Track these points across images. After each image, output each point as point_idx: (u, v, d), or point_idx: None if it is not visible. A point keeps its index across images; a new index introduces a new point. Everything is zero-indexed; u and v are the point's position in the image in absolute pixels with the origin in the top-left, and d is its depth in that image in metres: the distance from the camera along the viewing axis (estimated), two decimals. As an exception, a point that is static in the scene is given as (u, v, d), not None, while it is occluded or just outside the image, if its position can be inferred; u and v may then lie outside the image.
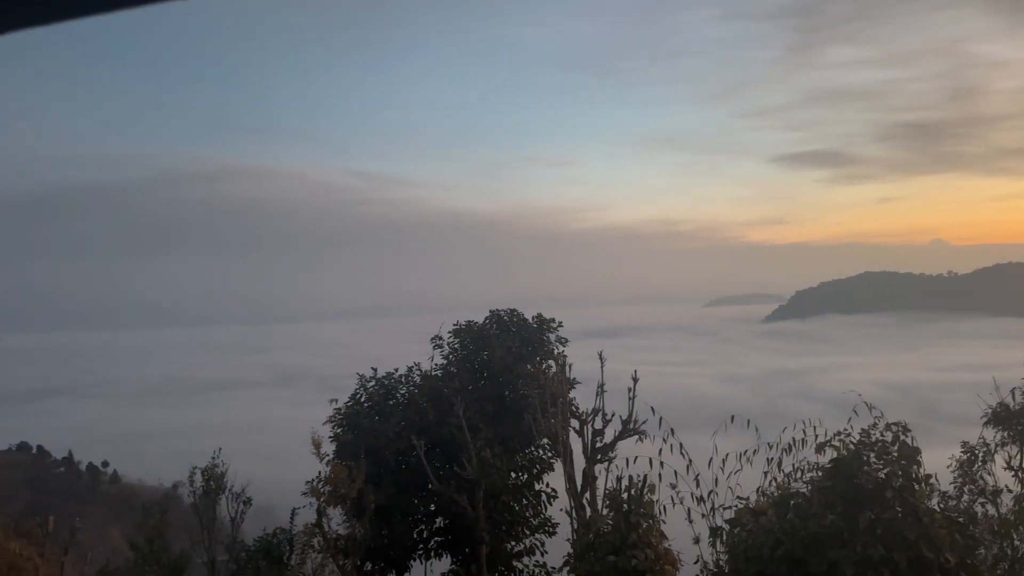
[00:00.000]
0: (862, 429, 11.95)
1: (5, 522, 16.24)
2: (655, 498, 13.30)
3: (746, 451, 13.97)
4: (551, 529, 24.42)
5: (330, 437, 23.97)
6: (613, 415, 20.98)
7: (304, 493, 21.58)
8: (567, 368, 23.40)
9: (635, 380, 20.38)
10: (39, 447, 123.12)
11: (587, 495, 19.98)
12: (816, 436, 12.69)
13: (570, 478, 20.15)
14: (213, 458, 21.07)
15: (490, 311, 26.83)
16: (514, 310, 26.87)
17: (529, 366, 25.21)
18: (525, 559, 24.32)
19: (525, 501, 24.79)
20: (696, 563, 13.23)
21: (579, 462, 20.77)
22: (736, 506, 13.08)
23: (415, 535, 24.29)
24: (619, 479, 13.78)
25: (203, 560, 20.27)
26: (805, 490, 12.09)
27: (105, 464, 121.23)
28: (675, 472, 14.25)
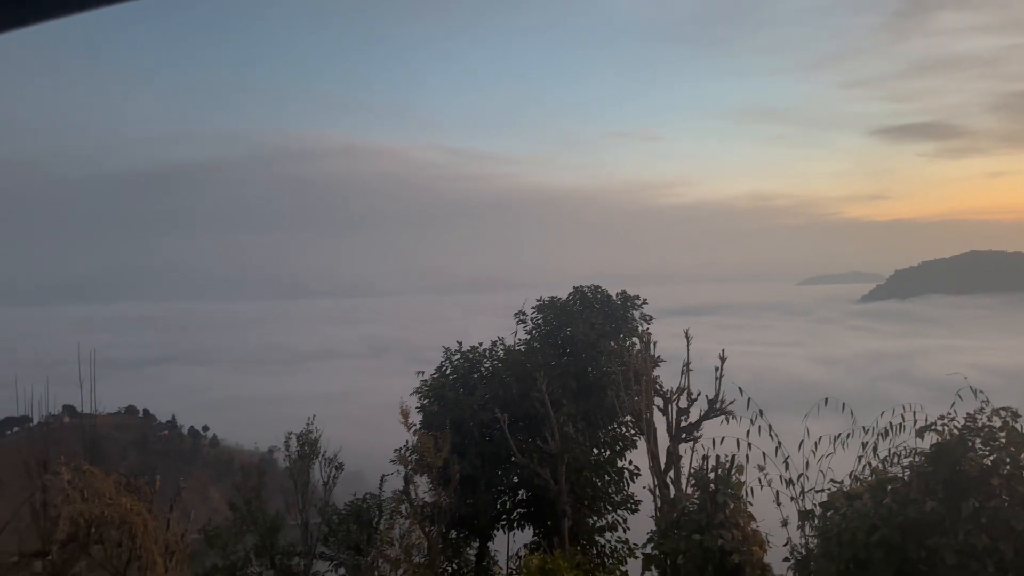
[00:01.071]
0: (967, 414, 11.32)
1: (117, 479, 17.28)
2: (742, 479, 13.02)
3: (839, 435, 13.46)
4: (633, 506, 24.35)
5: (417, 408, 24.54)
6: (699, 394, 20.62)
7: (392, 461, 22.20)
8: (651, 346, 23.09)
9: (723, 359, 19.95)
10: (146, 410, 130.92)
11: (671, 474, 19.75)
12: (916, 420, 12.09)
13: (653, 456, 19.95)
14: (307, 424, 21.84)
15: (573, 287, 26.75)
16: (598, 286, 26.70)
17: (612, 343, 25.03)
18: (607, 534, 24.36)
19: (607, 477, 24.78)
20: (785, 545, 12.90)
21: (663, 440, 20.54)
22: (828, 490, 12.65)
23: (498, 506, 24.64)
24: (705, 459, 13.55)
25: (297, 522, 21.12)
26: (903, 475, 11.57)
27: (205, 428, 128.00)
28: (763, 454, 13.90)
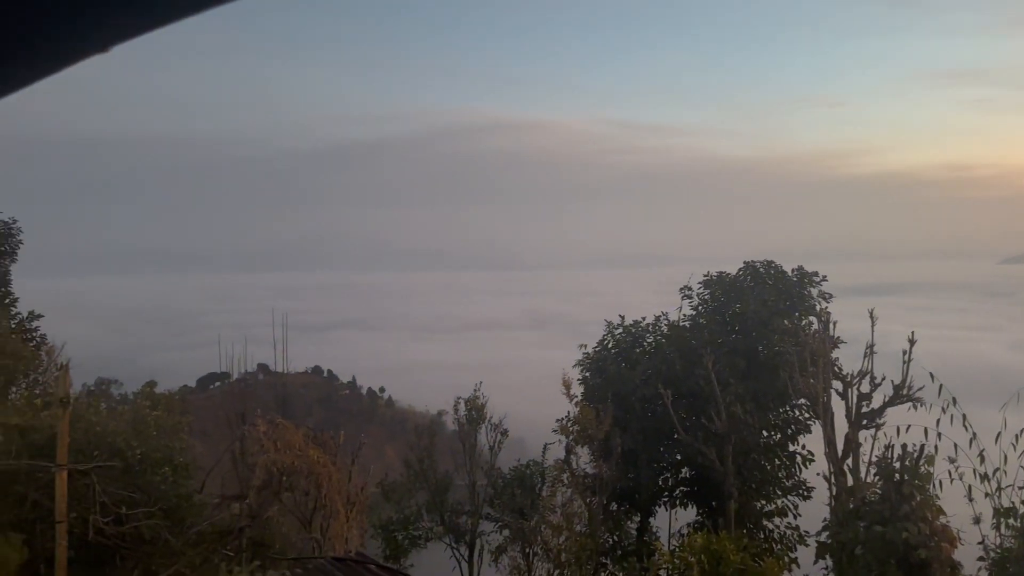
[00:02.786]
0: None
1: (305, 432, 18.81)
2: (931, 471, 12.06)
3: (1044, 428, 12.11)
4: (806, 492, 23.31)
5: (579, 380, 24.74)
6: (883, 379, 19.30)
7: (554, 430, 22.59)
8: (830, 325, 21.87)
9: (911, 342, 18.52)
10: (329, 371, 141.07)
11: (848, 461, 18.70)
12: None
13: (830, 442, 18.96)
14: (475, 390, 22.65)
15: (744, 262, 25.74)
16: (771, 261, 25.52)
17: (786, 321, 23.94)
18: (776, 520, 23.51)
19: (778, 461, 23.86)
20: (979, 544, 11.86)
21: (840, 426, 19.48)
22: (1031, 488, 11.45)
23: (660, 482, 24.44)
24: (888, 447, 12.67)
25: (464, 483, 22.04)
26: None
27: (382, 389, 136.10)
28: (955, 445, 12.79)
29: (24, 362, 20.35)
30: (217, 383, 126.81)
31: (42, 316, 23.47)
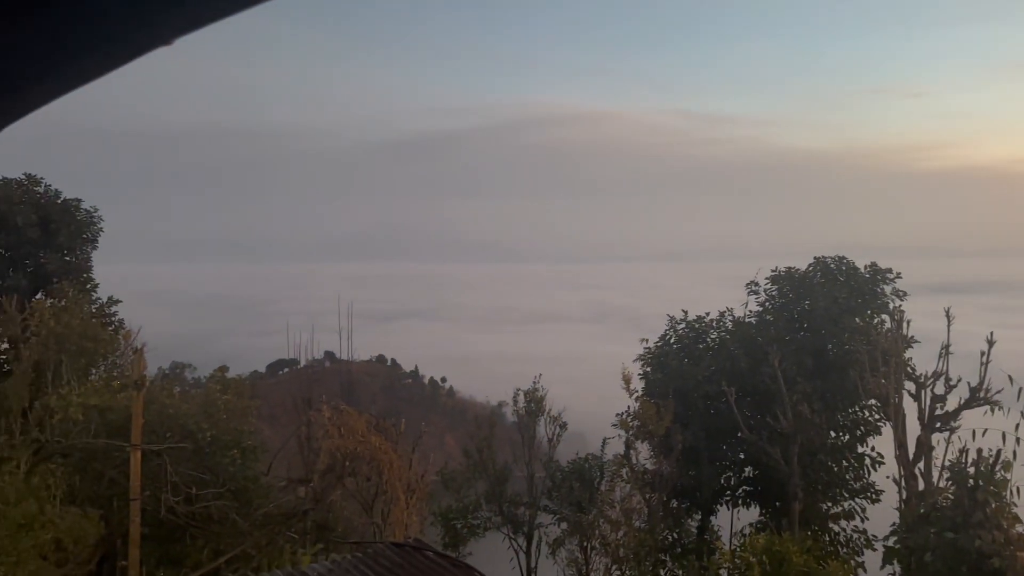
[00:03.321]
0: None
1: (368, 419, 19.19)
2: (1008, 477, 11.55)
3: None
4: (874, 496, 22.63)
5: (640, 375, 24.53)
6: (958, 381, 18.57)
7: (614, 425, 22.48)
8: (904, 324, 21.15)
9: (990, 343, 17.77)
10: (393, 360, 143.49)
11: (920, 465, 18.09)
12: None
13: (901, 444, 18.37)
14: (534, 383, 22.68)
15: (815, 257, 25.07)
16: (843, 257, 24.80)
17: (858, 319, 23.25)
18: (842, 523, 22.90)
19: (845, 463, 23.22)
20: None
21: (912, 428, 18.85)
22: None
23: (722, 480, 24.08)
24: (963, 451, 12.19)
25: (523, 474, 22.13)
26: None
27: (444, 379, 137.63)
28: (1036, 452, 12.24)
29: (103, 345, 21.29)
30: (285, 369, 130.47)
31: (120, 301, 24.52)
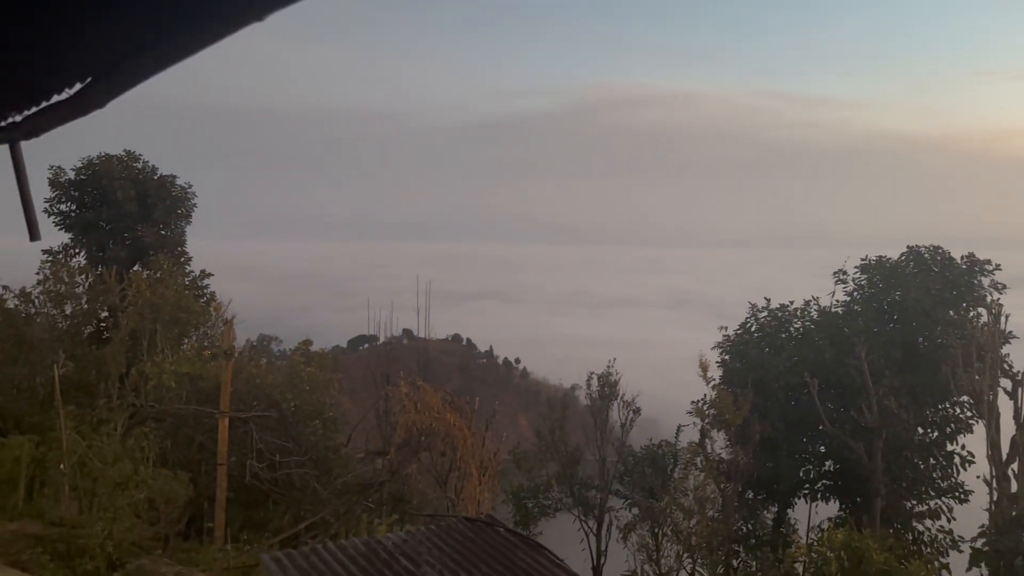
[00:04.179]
0: None
1: (444, 396, 19.52)
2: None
3: None
4: (962, 496, 21.67)
5: (717, 363, 24.08)
6: (1061, 380, 17.57)
7: (689, 412, 22.18)
8: (1002, 319, 20.10)
9: (1099, 341, 16.69)
10: (468, 340, 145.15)
11: (1014, 466, 17.23)
12: None
13: (994, 444, 17.53)
14: (608, 367, 22.57)
15: (908, 246, 24.00)
16: (938, 247, 23.65)
17: (952, 312, 22.20)
18: (927, 522, 22.03)
19: (933, 461, 22.29)
20: None
21: (1007, 428, 17.97)
22: None
23: (801, 474, 23.50)
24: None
25: (594, 457, 22.11)
26: None
27: (518, 360, 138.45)
28: None
29: (195, 316, 22.31)
30: (365, 345, 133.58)
31: (212, 275, 25.59)
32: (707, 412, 21.67)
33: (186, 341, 22.04)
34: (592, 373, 22.74)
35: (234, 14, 1.60)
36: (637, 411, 22.19)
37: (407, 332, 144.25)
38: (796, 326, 24.43)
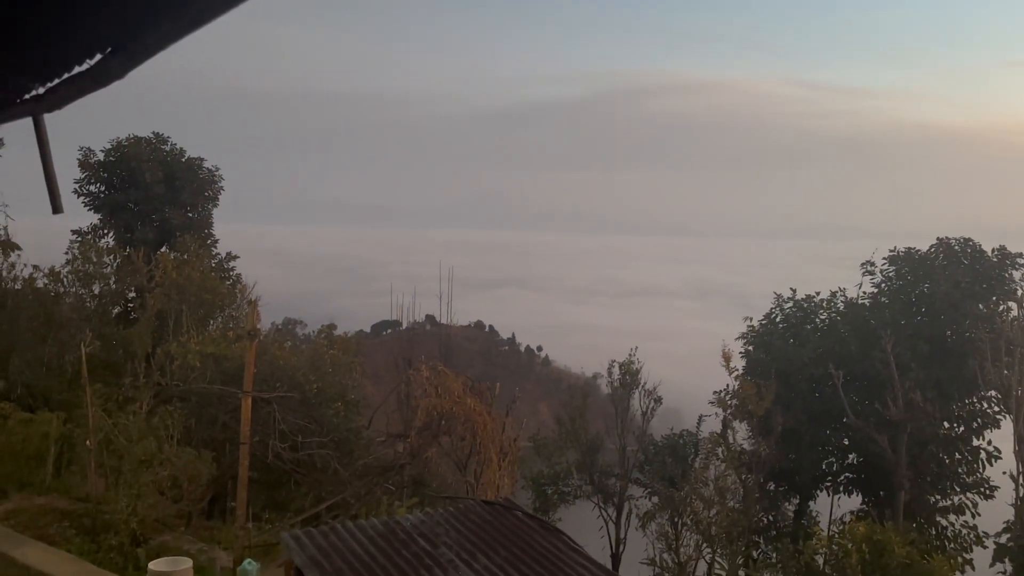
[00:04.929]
0: None
1: (465, 381, 19.56)
2: None
3: None
4: (988, 491, 21.40)
5: (741, 353, 23.89)
6: (1094, 376, 17.21)
7: (711, 403, 22.04)
8: (1034, 312, 19.70)
9: None
10: (490, 327, 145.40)
11: (1043, 463, 16.93)
12: None
13: (1021, 439, 17.25)
14: (630, 356, 22.49)
15: (938, 238, 23.59)
16: (968, 239, 23.23)
17: (981, 306, 21.84)
18: (951, 517, 21.77)
19: (958, 455, 22.01)
20: None
21: (1037, 424, 17.63)
22: None
23: (824, 466, 23.33)
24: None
25: (615, 446, 22.08)
26: None
27: (539, 348, 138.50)
28: None
29: (221, 297, 22.52)
30: (388, 330, 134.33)
31: (238, 257, 25.81)
32: (729, 402, 21.53)
33: (211, 322, 22.27)
34: (614, 361, 22.69)
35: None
36: (658, 400, 22.13)
37: (430, 318, 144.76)
38: (822, 317, 24.18)
